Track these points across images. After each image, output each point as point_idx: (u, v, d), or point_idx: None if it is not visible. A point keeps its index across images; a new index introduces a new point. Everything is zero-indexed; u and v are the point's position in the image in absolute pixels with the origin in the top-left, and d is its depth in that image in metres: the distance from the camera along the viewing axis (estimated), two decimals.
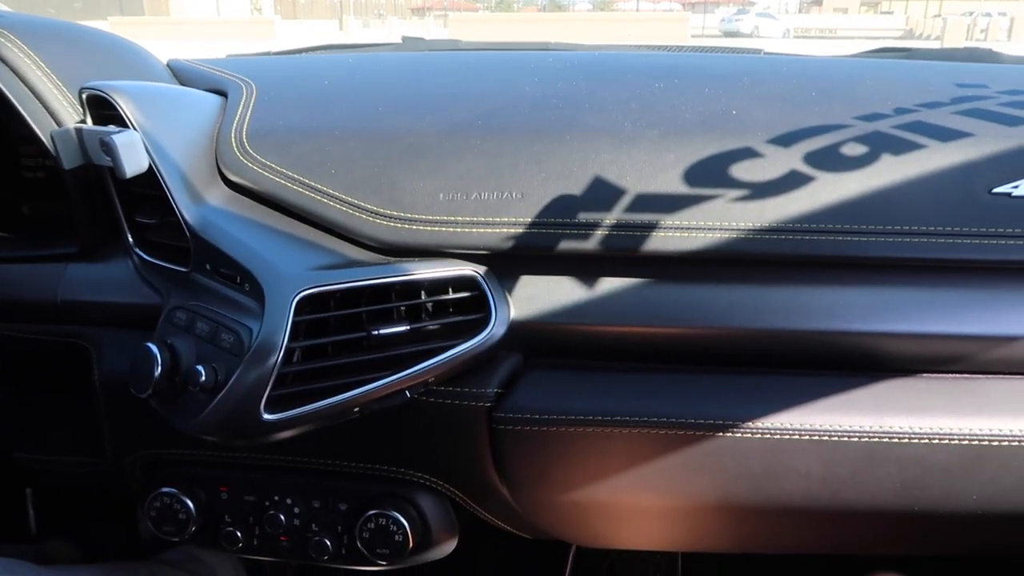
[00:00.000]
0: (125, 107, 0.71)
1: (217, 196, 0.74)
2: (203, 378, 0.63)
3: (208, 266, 0.71)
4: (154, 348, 0.66)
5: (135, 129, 0.70)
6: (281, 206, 0.74)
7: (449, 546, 0.83)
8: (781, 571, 1.30)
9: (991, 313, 0.68)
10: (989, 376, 0.70)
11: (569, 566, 1.23)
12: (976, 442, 0.66)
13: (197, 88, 0.88)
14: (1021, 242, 0.66)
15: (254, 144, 0.76)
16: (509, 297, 0.72)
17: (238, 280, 0.69)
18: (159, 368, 0.65)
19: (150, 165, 0.70)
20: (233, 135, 0.78)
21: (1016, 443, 0.66)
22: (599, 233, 0.69)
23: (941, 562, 1.21)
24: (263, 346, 0.63)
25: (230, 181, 0.76)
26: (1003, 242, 0.66)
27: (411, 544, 0.78)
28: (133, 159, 0.69)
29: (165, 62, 0.98)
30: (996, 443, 0.66)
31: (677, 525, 0.80)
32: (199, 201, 0.72)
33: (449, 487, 0.78)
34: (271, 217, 0.74)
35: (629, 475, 0.72)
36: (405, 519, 0.77)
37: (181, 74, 0.96)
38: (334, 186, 0.73)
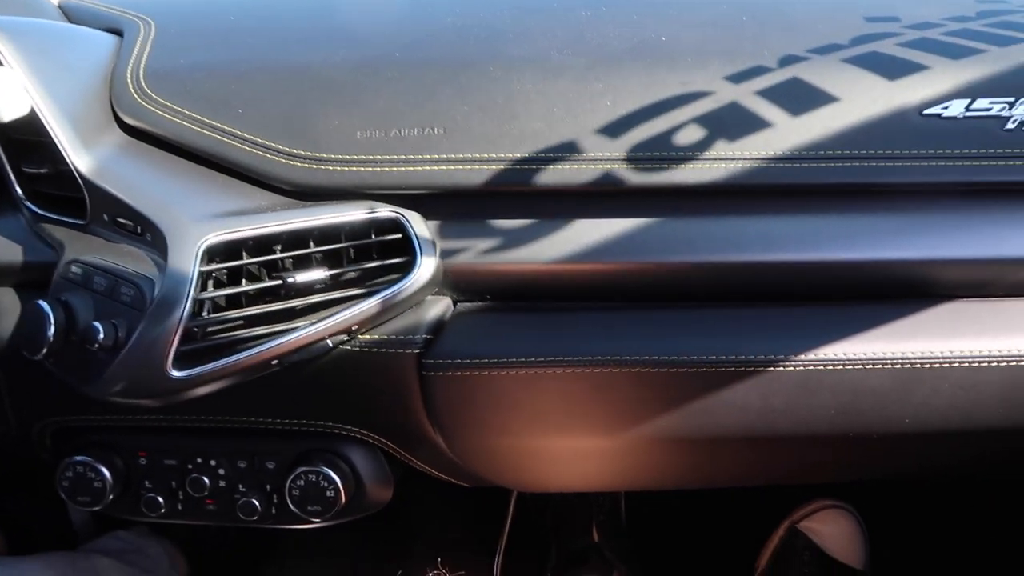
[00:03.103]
0: (0, 44, 0.64)
1: (113, 141, 0.69)
2: (102, 336, 0.59)
3: (106, 217, 0.66)
4: (46, 306, 0.61)
5: (12, 68, 0.64)
6: (184, 150, 0.69)
7: (384, 499, 0.81)
8: (723, 506, 1.32)
9: (924, 237, 0.67)
10: (922, 300, 0.70)
11: (511, 512, 1.23)
12: (908, 365, 0.66)
13: (90, 28, 0.82)
14: (948, 163, 0.66)
15: (153, 84, 0.71)
16: (434, 239, 0.68)
17: (139, 231, 0.64)
18: (52, 327, 0.60)
19: (32, 108, 0.64)
20: (129, 75, 0.72)
21: (946, 364, 0.66)
22: (525, 168, 0.66)
23: (875, 488, 1.25)
24: (166, 299, 0.59)
25: (127, 125, 0.70)
26: (932, 163, 0.66)
27: (344, 499, 0.75)
28: (11, 101, 0.63)
29: (55, 2, 0.91)
30: (928, 365, 0.66)
31: (615, 464, 0.79)
32: (92, 147, 0.66)
33: (380, 439, 0.76)
34: (173, 162, 0.69)
35: (562, 416, 0.70)
36: (336, 474, 0.75)
37: (72, 13, 0.89)
38: (242, 126, 0.68)
